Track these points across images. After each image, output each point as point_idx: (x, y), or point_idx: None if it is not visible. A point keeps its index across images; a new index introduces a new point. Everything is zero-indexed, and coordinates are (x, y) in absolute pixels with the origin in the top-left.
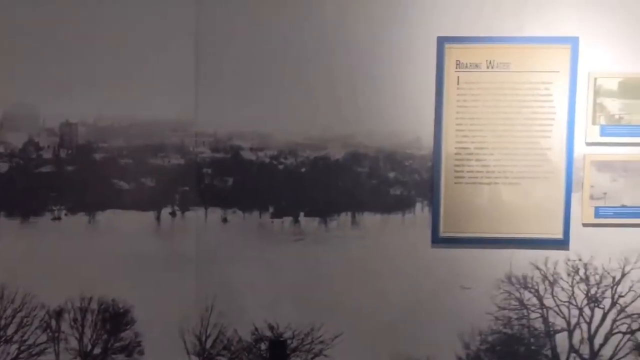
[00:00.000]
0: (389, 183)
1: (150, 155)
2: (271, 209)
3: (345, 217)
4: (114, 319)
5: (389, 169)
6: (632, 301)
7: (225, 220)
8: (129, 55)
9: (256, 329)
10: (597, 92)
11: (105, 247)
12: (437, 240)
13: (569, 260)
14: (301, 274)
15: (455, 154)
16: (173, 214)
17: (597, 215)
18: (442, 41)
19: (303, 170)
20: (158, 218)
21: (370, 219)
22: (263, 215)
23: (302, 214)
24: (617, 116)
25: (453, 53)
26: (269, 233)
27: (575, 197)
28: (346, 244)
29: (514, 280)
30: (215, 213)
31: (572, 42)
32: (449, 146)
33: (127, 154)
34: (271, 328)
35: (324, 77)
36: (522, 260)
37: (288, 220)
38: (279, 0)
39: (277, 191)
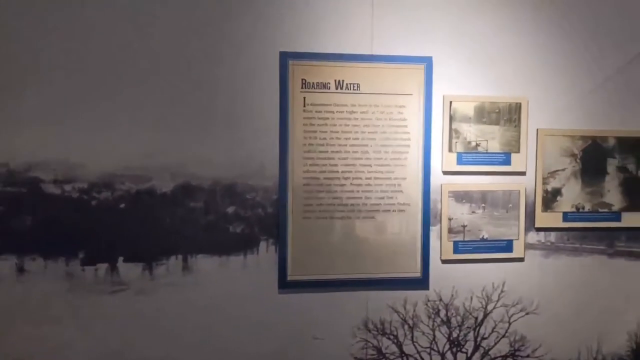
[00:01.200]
0: (227, 219)
1: None
2: (81, 254)
3: (175, 262)
4: None
5: (227, 203)
6: (495, 343)
7: (21, 269)
8: None
9: None
10: (453, 117)
11: None
12: (285, 285)
13: (429, 300)
14: (122, 332)
15: (304, 185)
16: None
17: (456, 250)
18: (285, 57)
19: (122, 206)
20: None
21: (206, 263)
22: (71, 262)
23: (121, 259)
24: (473, 143)
25: (298, 71)
26: (79, 284)
27: (433, 231)
28: (177, 293)
29: (371, 326)
30: (9, 261)
31: (426, 62)
32: (296, 176)
33: None
34: None
35: (147, 95)
36: (379, 302)
37: (103, 267)
38: (105, 13)
39: (89, 232)
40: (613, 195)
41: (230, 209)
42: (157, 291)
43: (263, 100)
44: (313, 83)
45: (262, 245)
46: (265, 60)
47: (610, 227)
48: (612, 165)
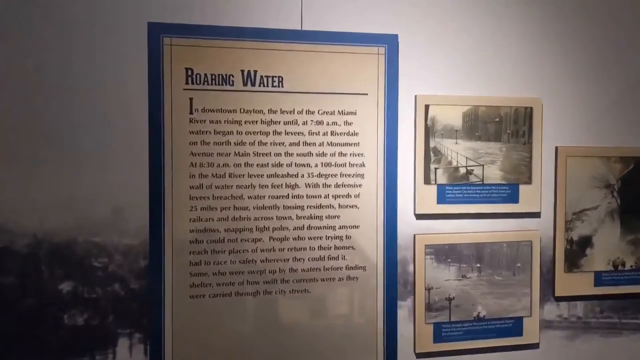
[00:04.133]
0: (60, 304)
1: None
2: None
3: None
4: None
5: (60, 276)
6: None
7: None
8: None
9: None
10: (431, 130)
11: None
12: None
13: None
14: None
15: (192, 241)
16: None
17: (439, 337)
18: (156, 31)
19: None
20: None
21: None
22: None
23: None
24: (462, 170)
25: (180, 55)
26: None
27: (403, 310)
28: None
29: None
30: None
31: (388, 44)
32: (178, 228)
33: None
34: None
35: None
36: None
37: None
38: None
39: None
40: None
41: (65, 286)
42: None
43: (120, 105)
44: (205, 76)
45: (122, 344)
46: (123, 35)
47: None
48: None
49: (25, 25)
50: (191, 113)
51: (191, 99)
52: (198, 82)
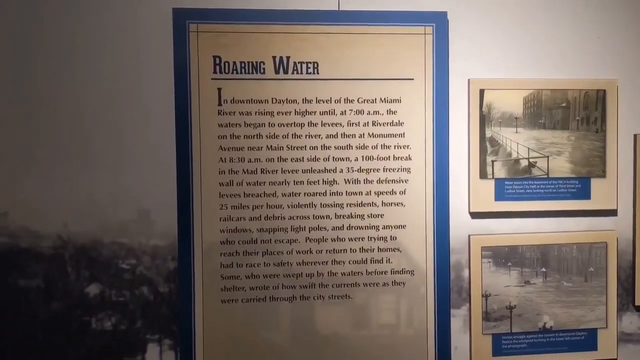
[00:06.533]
0: (87, 307)
1: None
2: None
3: None
4: None
5: (86, 278)
6: None
7: None
8: None
9: None
10: (488, 118)
11: None
12: None
13: None
14: None
15: (223, 243)
16: None
17: (498, 350)
18: (182, 17)
19: None
20: None
21: None
22: None
23: None
24: (524, 162)
25: (207, 42)
26: None
27: (457, 319)
28: None
29: None
30: None
31: (436, 22)
32: (208, 229)
33: None
34: None
35: None
36: None
37: None
38: None
39: None
40: None
41: (92, 289)
42: None
43: (144, 98)
44: (234, 64)
45: (151, 350)
46: (147, 22)
47: None
48: None
49: (43, 18)
50: (220, 104)
51: (219, 89)
52: (226, 71)
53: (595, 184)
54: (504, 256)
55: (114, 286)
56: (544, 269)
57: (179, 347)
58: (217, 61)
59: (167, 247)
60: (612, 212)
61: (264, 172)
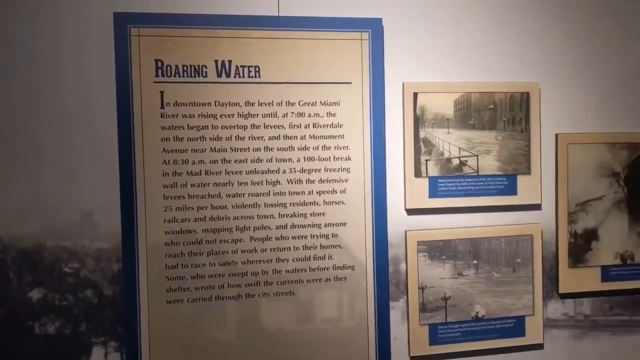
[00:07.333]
0: (29, 312)
1: None
2: None
3: None
4: None
5: (28, 283)
6: None
7: None
8: None
9: None
10: (421, 119)
11: None
12: None
13: None
14: None
15: (167, 244)
16: None
17: (435, 339)
18: (123, 22)
19: None
20: None
21: None
22: None
23: None
24: (456, 161)
25: (149, 45)
26: None
27: (395, 311)
28: None
29: None
30: None
31: (372, 28)
32: (152, 230)
33: None
34: None
35: None
36: None
37: None
38: None
39: None
40: None
41: (35, 294)
42: None
43: (86, 102)
44: (177, 67)
45: (96, 353)
46: (87, 27)
47: None
48: None
49: None
50: (162, 107)
51: (162, 93)
52: (169, 74)
53: (521, 180)
54: (438, 250)
55: (57, 290)
56: (475, 261)
57: (125, 349)
58: (160, 65)
59: (111, 249)
60: (537, 207)
61: (208, 173)
